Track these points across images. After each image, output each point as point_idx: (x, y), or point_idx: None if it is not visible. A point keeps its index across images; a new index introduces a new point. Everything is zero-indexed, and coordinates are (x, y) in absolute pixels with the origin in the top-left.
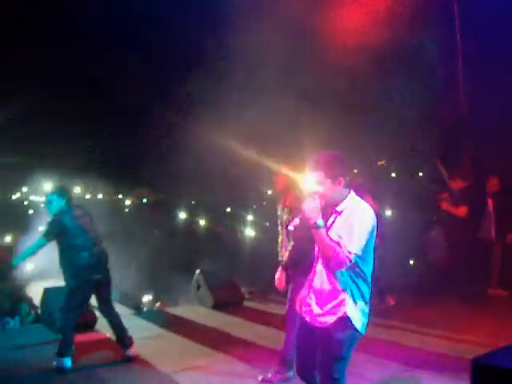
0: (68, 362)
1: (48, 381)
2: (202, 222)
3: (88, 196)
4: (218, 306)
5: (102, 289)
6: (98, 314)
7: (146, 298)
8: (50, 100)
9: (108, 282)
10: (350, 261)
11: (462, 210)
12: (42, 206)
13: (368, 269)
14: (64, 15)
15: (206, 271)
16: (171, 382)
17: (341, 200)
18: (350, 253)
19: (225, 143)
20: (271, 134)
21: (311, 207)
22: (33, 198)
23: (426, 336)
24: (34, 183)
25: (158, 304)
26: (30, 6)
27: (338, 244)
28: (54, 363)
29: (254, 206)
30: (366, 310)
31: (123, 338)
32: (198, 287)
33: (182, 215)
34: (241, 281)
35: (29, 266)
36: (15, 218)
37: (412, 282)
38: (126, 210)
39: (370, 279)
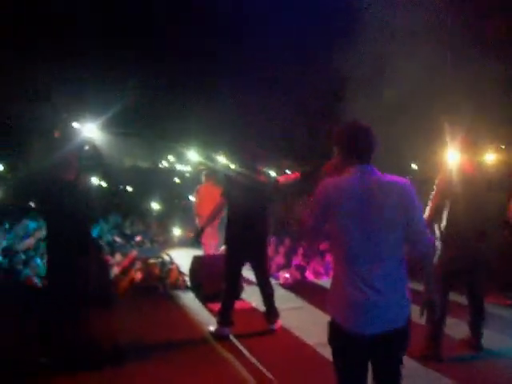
0: (226, 331)
1: (196, 344)
2: None
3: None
4: None
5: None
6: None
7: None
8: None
9: (261, 253)
10: None
11: None
12: (187, 175)
13: (337, 248)
14: None
15: None
16: (317, 355)
17: None
18: None
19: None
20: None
21: None
22: (179, 166)
23: None
24: (180, 153)
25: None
26: None
27: None
28: (212, 329)
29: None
30: (352, 296)
31: (271, 310)
32: None
33: None
34: None
35: (176, 232)
36: (163, 186)
37: None
38: None
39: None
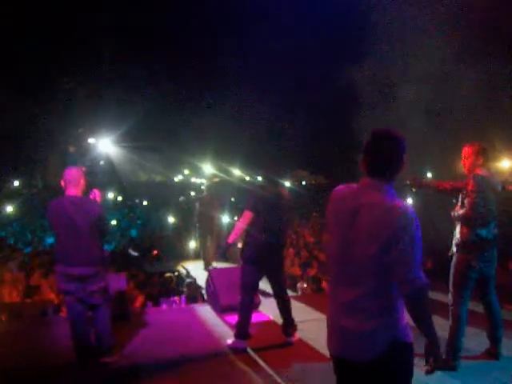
0: (244, 344)
1: (212, 358)
2: None
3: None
4: None
5: (275, 271)
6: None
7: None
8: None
9: (279, 265)
10: None
11: None
12: (203, 187)
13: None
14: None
15: None
16: None
17: None
18: None
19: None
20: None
21: None
22: (194, 179)
23: None
24: (195, 166)
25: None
26: None
27: None
28: (229, 342)
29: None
30: (329, 316)
31: (289, 323)
32: None
33: None
34: None
35: (191, 246)
36: (178, 199)
37: None
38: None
39: None
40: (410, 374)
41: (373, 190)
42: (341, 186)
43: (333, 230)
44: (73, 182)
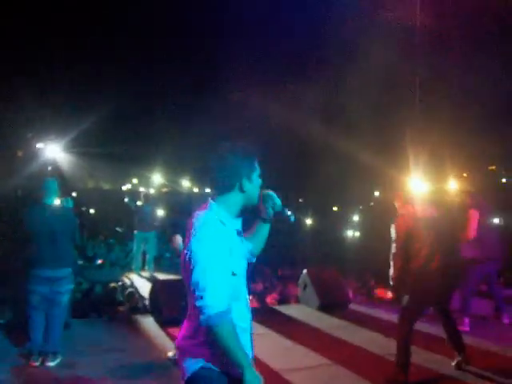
0: None
1: (153, 369)
2: (309, 221)
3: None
4: (324, 307)
5: None
6: None
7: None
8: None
9: None
10: None
11: None
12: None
13: None
14: None
15: (313, 271)
16: (282, 380)
17: None
18: None
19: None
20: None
21: None
22: (142, 189)
23: None
24: (144, 175)
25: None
26: None
27: None
28: (170, 354)
29: (360, 207)
30: None
31: None
32: (305, 287)
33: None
34: (348, 281)
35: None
36: (126, 208)
37: None
38: None
39: None
40: None
41: (204, 206)
42: None
43: None
44: (50, 191)
